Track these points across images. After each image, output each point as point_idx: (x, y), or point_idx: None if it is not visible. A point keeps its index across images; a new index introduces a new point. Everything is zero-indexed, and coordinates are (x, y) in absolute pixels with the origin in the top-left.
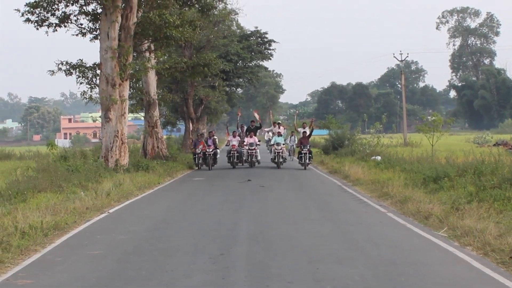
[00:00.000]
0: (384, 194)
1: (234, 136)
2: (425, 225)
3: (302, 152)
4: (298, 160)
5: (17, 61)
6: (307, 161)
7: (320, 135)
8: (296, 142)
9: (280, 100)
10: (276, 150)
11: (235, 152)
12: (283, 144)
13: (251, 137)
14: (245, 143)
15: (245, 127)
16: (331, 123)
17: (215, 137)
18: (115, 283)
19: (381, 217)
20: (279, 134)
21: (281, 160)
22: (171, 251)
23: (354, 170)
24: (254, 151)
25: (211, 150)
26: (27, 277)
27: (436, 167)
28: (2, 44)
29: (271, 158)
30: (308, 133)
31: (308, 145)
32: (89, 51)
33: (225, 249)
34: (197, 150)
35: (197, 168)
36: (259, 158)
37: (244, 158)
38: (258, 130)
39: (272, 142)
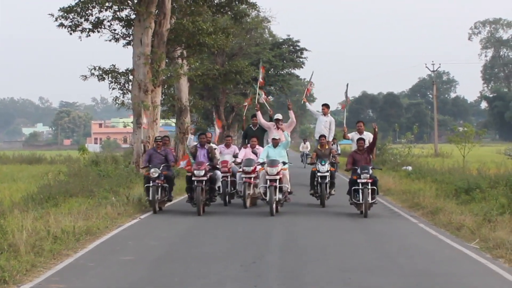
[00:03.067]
0: (415, 205)
1: (227, 146)
2: (457, 236)
3: (359, 181)
4: (348, 196)
5: (49, 65)
6: (368, 199)
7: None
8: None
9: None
10: (320, 173)
11: (227, 176)
12: (286, 164)
13: (252, 147)
14: (237, 161)
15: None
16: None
17: (212, 144)
18: None
19: (413, 227)
20: (275, 143)
21: (327, 192)
22: (203, 258)
23: (385, 180)
24: (251, 177)
25: (202, 172)
26: (60, 281)
27: (467, 178)
28: (34, 47)
29: (310, 191)
30: (367, 143)
31: (370, 168)
32: (121, 56)
33: (257, 257)
34: (152, 173)
35: (152, 209)
36: (260, 191)
37: (237, 188)
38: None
39: (261, 159)
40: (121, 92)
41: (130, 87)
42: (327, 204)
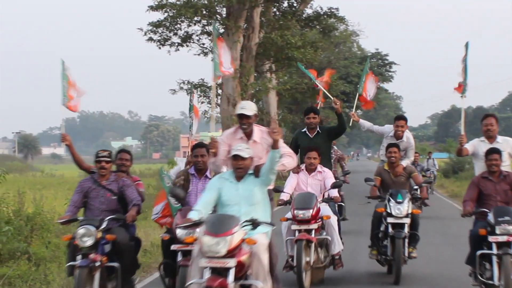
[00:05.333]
0: None
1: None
2: None
3: (491, 239)
4: (470, 269)
5: (138, 80)
6: None
7: (440, 158)
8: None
9: None
10: (392, 219)
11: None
12: (260, 228)
13: (310, 170)
14: (282, 198)
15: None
16: (451, 146)
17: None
18: None
19: None
20: (241, 168)
21: (406, 254)
22: None
23: None
24: (310, 229)
25: (194, 233)
26: None
27: None
28: (123, 62)
29: (372, 251)
30: (507, 158)
31: None
32: (208, 70)
33: (346, 271)
34: (80, 238)
35: None
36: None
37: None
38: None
39: (195, 211)
40: (210, 106)
41: (219, 101)
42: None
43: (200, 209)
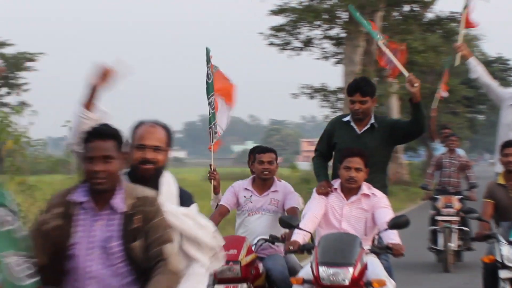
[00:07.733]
0: None
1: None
2: None
3: None
4: None
5: (258, 84)
6: None
7: None
8: None
9: None
10: None
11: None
12: None
13: (349, 190)
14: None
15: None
16: None
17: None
18: None
19: None
20: None
21: None
22: None
23: None
24: None
25: None
26: None
27: None
28: (243, 67)
29: None
30: None
31: None
32: (328, 74)
33: (469, 280)
34: None
35: None
36: None
37: None
38: None
39: None
40: (332, 110)
41: (340, 105)
42: None
43: None
